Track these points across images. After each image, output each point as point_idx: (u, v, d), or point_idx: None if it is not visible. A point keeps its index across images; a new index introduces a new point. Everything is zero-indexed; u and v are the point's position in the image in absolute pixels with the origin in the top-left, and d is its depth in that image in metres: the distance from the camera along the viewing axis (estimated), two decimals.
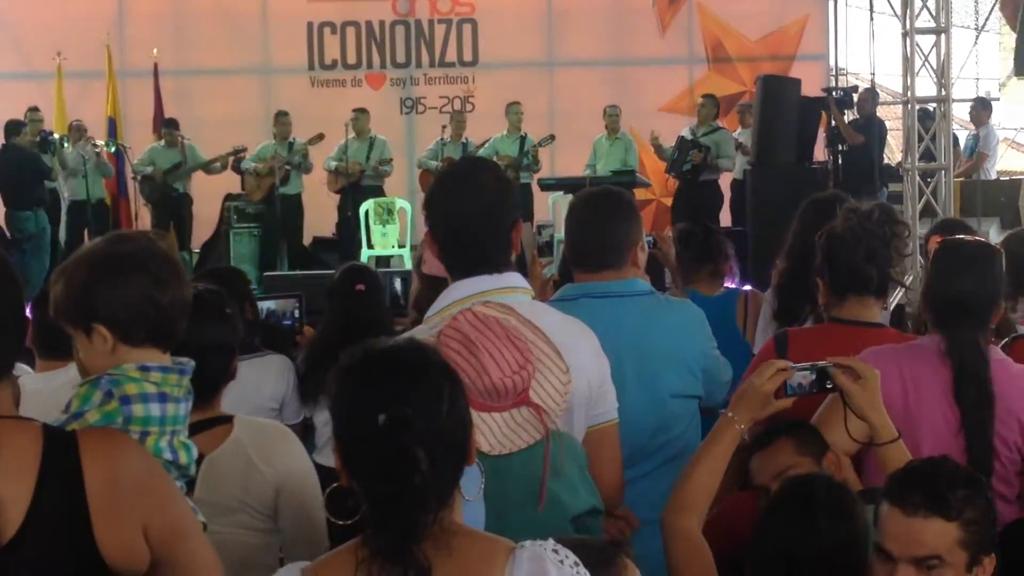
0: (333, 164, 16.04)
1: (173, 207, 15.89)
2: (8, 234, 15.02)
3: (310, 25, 18.53)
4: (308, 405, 5.45)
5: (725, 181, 15.82)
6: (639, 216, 4.11)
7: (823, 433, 3.62)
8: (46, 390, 3.78)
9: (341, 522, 2.44)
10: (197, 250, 16.30)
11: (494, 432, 2.95)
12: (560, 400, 3.02)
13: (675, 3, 18.40)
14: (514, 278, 3.47)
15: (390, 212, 15.79)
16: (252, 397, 4.37)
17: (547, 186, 15.50)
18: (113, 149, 16.32)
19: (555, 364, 3.04)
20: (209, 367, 3.46)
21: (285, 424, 4.45)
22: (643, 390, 3.88)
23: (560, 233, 14.72)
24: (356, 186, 15.85)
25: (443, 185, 3.58)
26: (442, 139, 16.21)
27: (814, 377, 3.42)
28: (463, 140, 16.16)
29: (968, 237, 4.38)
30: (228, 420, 3.61)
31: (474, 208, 3.44)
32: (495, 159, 15.59)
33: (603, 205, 4.08)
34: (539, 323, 3.25)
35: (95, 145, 15.84)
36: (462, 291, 3.39)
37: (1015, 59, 17.72)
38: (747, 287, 7.57)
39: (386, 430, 2.32)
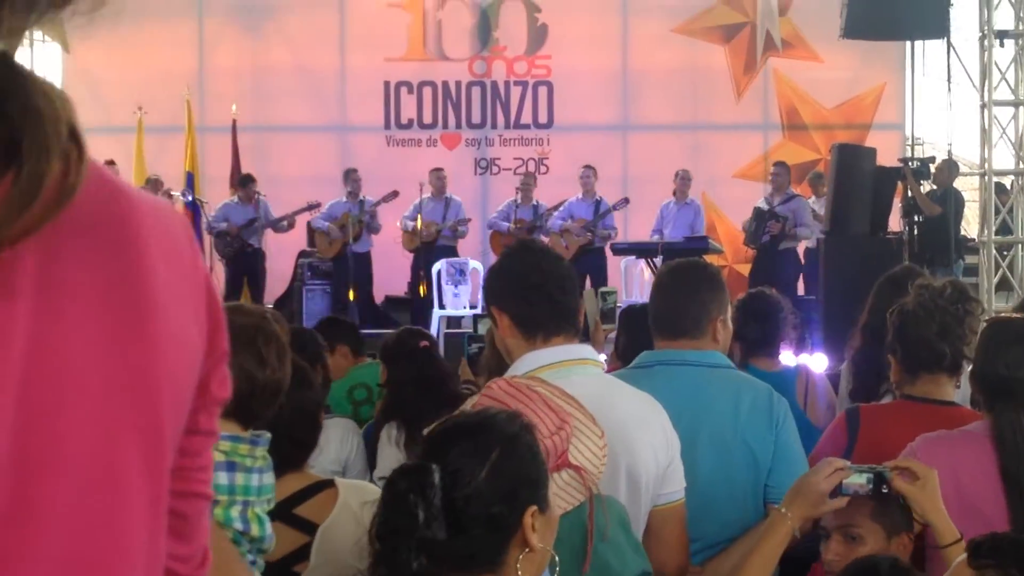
0: (410, 224, 16.12)
1: (248, 263, 16.03)
2: None
3: (387, 84, 18.68)
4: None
5: (802, 251, 15.77)
6: (724, 291, 4.10)
7: None
8: None
9: None
10: (270, 305, 16.40)
11: None
12: (599, 463, 3.00)
13: (751, 69, 18.42)
14: (586, 349, 3.49)
15: (462, 272, 15.84)
16: (314, 459, 4.39)
17: (619, 250, 15.52)
18: (189, 200, 16.51)
19: (590, 429, 3.02)
20: (297, 431, 3.50)
21: None
22: (715, 463, 3.85)
23: (625, 299, 14.70)
24: (431, 246, 15.93)
25: (515, 253, 3.65)
26: (515, 200, 16.26)
27: (871, 481, 3.39)
28: (534, 202, 16.19)
29: (1017, 315, 4.31)
30: (331, 484, 3.57)
31: (550, 273, 3.49)
32: (570, 222, 15.66)
33: (687, 275, 4.11)
34: (609, 398, 3.25)
35: (170, 197, 16.03)
36: (533, 361, 3.40)
37: None
38: (803, 363, 7.51)
39: (398, 476, 2.36)
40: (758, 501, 3.92)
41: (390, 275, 16.44)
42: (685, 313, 4.02)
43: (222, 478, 2.81)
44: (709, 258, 15.23)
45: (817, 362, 8.95)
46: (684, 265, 4.21)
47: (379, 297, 16.47)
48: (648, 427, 3.41)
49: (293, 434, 3.40)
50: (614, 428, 3.14)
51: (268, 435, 2.94)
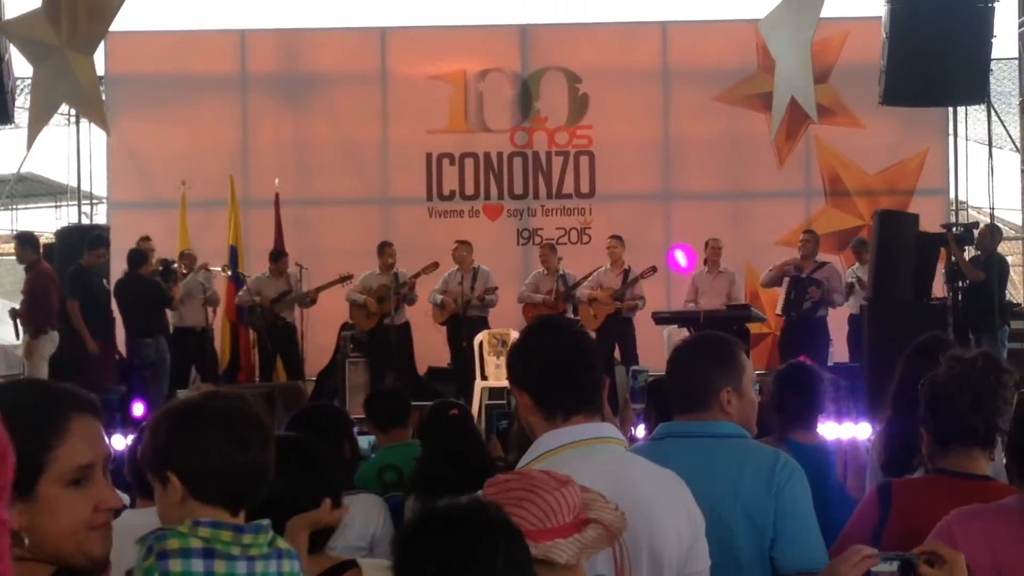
0: (439, 298, 16.11)
1: (281, 337, 16.07)
2: (130, 361, 15.25)
3: (429, 156, 18.77)
4: None
5: (832, 317, 15.59)
6: (734, 362, 4.06)
7: None
8: (141, 525, 3.81)
9: None
10: (313, 378, 16.42)
11: (566, 550, 2.88)
12: (620, 522, 2.95)
13: (793, 136, 18.38)
14: (607, 428, 3.44)
15: (504, 343, 15.78)
16: (338, 536, 4.37)
17: (661, 319, 15.45)
18: (230, 273, 16.60)
19: (601, 502, 2.98)
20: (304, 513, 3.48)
21: None
22: (717, 533, 3.72)
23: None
24: (461, 317, 15.90)
25: (536, 331, 3.62)
26: (541, 271, 16.25)
27: (900, 568, 3.34)
28: (560, 272, 16.10)
29: None
30: (354, 564, 3.55)
31: (571, 351, 3.45)
32: (599, 292, 15.62)
33: (698, 349, 4.14)
34: (631, 476, 3.22)
35: (207, 271, 16.15)
36: (553, 441, 3.36)
37: None
38: (843, 435, 7.42)
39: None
40: (765, 570, 3.85)
41: (430, 346, 16.41)
42: (691, 387, 4.04)
43: (197, 566, 2.81)
44: (752, 326, 15.25)
45: (861, 431, 8.89)
46: (694, 339, 4.28)
47: (421, 369, 16.43)
48: (670, 506, 3.37)
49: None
50: (636, 508, 3.09)
51: (264, 522, 2.93)
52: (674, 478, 3.46)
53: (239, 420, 2.93)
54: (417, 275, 15.93)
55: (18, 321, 15.13)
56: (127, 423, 11.63)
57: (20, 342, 15.13)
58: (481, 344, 15.65)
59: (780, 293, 15.69)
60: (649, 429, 6.01)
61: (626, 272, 15.89)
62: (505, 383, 15.17)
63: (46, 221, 28.12)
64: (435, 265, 16.00)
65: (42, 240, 16.66)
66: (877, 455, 5.14)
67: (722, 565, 3.68)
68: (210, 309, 16.33)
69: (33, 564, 2.45)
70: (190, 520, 2.86)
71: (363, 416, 7.36)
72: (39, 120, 15.81)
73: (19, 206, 27.13)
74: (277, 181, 17.60)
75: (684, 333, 15.23)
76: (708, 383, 4.00)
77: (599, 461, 3.25)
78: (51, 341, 14.70)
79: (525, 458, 3.37)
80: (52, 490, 2.44)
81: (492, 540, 2.40)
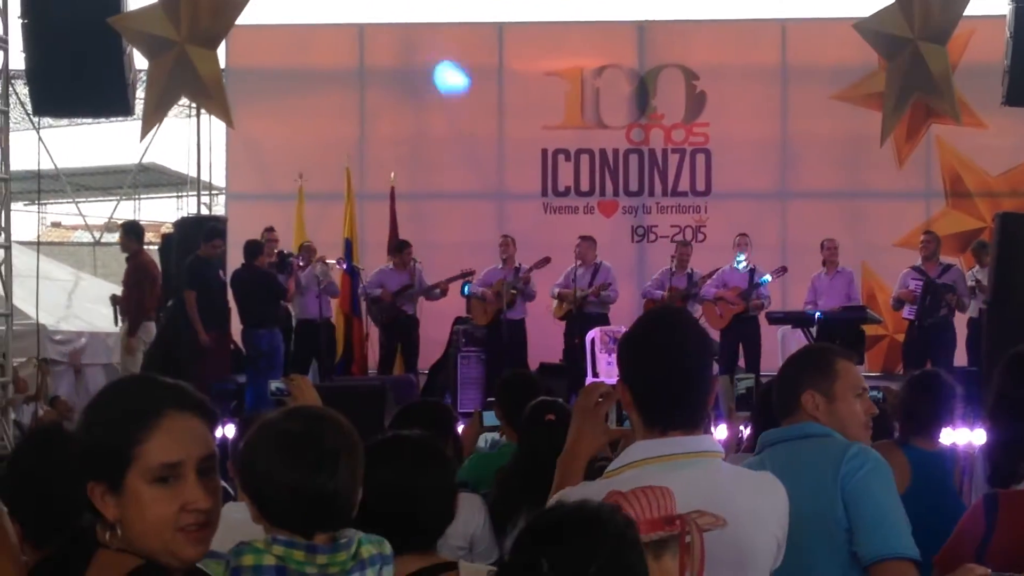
0: (557, 291, 16.11)
1: (402, 330, 16.14)
2: (244, 351, 15.41)
3: (544, 152, 18.75)
4: (500, 541, 5.37)
5: (966, 321, 15.32)
6: (830, 368, 3.98)
7: None
8: (239, 520, 3.84)
9: None
10: (425, 371, 16.47)
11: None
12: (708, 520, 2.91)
13: (913, 136, 18.07)
14: (705, 441, 3.34)
15: (616, 341, 15.71)
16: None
17: (775, 320, 15.31)
18: (346, 266, 16.72)
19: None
20: (426, 511, 3.48)
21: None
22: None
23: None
24: (580, 313, 15.87)
25: (653, 327, 3.45)
26: (669, 268, 16.14)
27: None
28: (688, 270, 16.04)
29: None
30: (454, 567, 3.52)
31: (683, 361, 3.32)
32: (724, 291, 15.48)
33: (793, 357, 4.19)
34: (723, 489, 3.17)
35: (326, 263, 16.26)
36: (645, 451, 3.27)
37: None
38: (957, 442, 7.30)
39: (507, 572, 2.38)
40: (845, 566, 3.71)
41: (544, 342, 16.39)
42: (779, 392, 4.09)
43: None
44: (869, 328, 15.03)
45: (978, 437, 8.72)
46: (797, 350, 4.31)
47: (533, 364, 16.42)
48: (765, 517, 3.27)
49: (418, 516, 3.39)
50: (729, 521, 2.95)
51: (344, 539, 2.91)
52: (770, 484, 3.36)
53: (306, 444, 2.90)
54: (529, 270, 15.95)
55: (117, 309, 15.42)
56: (240, 413, 11.76)
57: (117, 329, 15.45)
58: (593, 341, 15.60)
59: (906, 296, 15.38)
60: (755, 436, 5.95)
61: (752, 271, 15.72)
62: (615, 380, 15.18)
63: (168, 211, 28.64)
64: (546, 260, 15.98)
65: (161, 230, 16.93)
66: (982, 466, 5.06)
67: (795, 566, 3.56)
68: (327, 301, 16.47)
69: (125, 555, 2.46)
70: (269, 536, 2.86)
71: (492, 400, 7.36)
72: (154, 114, 16.05)
73: (142, 196, 27.62)
74: (393, 175, 17.71)
75: (799, 334, 15.10)
76: (792, 386, 4.01)
77: (690, 475, 3.15)
78: (146, 332, 15.00)
79: (615, 463, 3.30)
80: (138, 485, 2.44)
81: (591, 543, 2.37)
